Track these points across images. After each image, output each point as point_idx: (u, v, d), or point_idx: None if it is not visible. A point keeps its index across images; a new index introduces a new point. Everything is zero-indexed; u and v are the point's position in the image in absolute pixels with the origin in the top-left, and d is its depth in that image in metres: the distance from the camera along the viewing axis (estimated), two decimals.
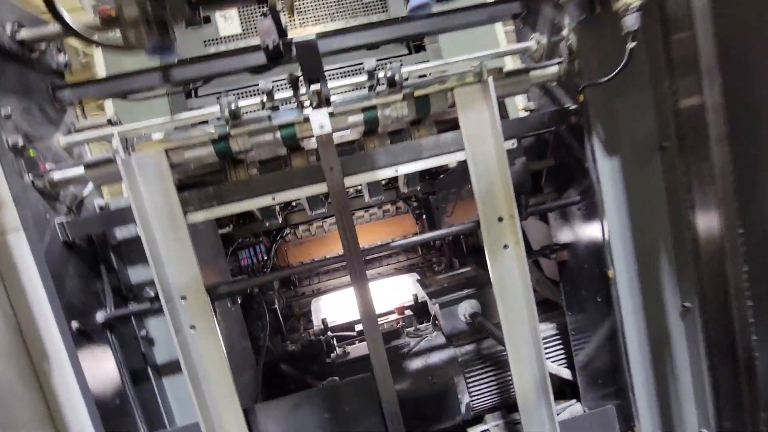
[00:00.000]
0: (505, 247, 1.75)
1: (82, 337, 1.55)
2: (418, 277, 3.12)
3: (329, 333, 3.01)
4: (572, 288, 2.13)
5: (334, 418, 1.79)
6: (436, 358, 2.44)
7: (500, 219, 1.73)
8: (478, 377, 2.39)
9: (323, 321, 3.12)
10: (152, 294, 1.60)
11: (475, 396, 2.38)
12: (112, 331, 1.69)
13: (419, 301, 3.16)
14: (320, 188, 1.68)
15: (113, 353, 1.68)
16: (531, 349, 1.79)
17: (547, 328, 2.41)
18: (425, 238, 1.98)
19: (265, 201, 1.67)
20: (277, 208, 2.25)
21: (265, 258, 3.11)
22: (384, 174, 1.71)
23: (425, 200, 3.38)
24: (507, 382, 2.37)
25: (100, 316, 1.65)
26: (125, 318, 1.79)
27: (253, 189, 1.65)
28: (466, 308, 2.40)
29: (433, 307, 2.59)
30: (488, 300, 2.43)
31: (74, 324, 1.49)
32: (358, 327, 3.14)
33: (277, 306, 3.20)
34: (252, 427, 1.73)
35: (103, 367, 1.65)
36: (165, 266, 1.55)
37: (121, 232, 1.89)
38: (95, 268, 1.72)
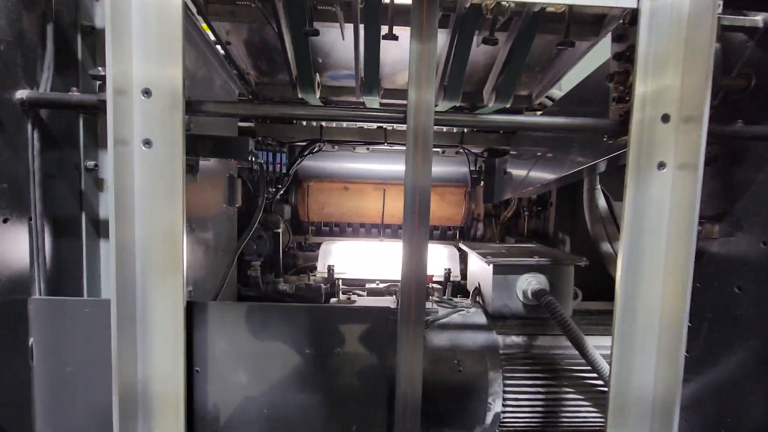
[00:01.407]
0: (660, 166, 1.07)
1: None
2: (459, 245, 2.44)
3: (335, 280, 2.38)
4: (714, 279, 1.40)
5: (316, 358, 1.15)
6: (469, 339, 1.76)
7: (666, 118, 1.06)
8: (522, 382, 1.68)
9: (329, 268, 2.49)
10: (101, 72, 1.01)
11: (510, 407, 1.68)
12: (35, 124, 1.11)
13: (450, 278, 2.48)
14: None
15: (30, 154, 1.10)
16: (667, 349, 1.08)
17: None
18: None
19: None
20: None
21: (284, 173, 2.53)
22: None
23: (489, 162, 2.72)
24: (566, 404, 1.66)
25: (21, 93, 1.07)
26: (64, 115, 1.21)
27: None
28: (530, 283, 1.71)
29: (480, 275, 1.92)
30: (561, 284, 1.74)
31: None
32: (371, 285, 2.49)
33: (281, 235, 2.60)
34: (194, 332, 1.11)
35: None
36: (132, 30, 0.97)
37: None
38: (38, 28, 1.15)
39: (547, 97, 2.42)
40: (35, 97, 1.07)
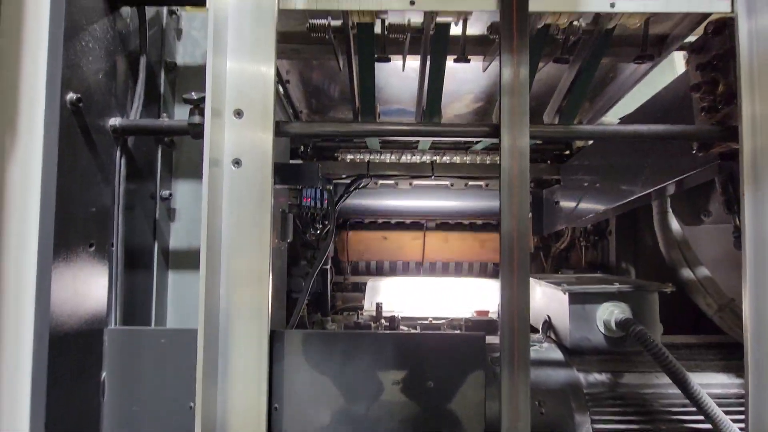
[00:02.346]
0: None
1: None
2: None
3: (383, 320, 2.28)
4: None
5: (406, 391, 1.04)
6: (547, 377, 1.61)
7: None
8: (614, 426, 1.51)
9: (378, 306, 2.40)
10: (194, 97, 1.03)
11: None
12: (123, 152, 1.13)
13: None
14: None
15: (117, 180, 1.10)
16: None
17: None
18: None
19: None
20: None
21: (327, 207, 2.52)
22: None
23: (537, 193, 2.67)
24: None
25: (114, 121, 1.09)
26: (144, 145, 1.23)
27: None
28: (612, 312, 1.58)
29: (550, 307, 1.80)
30: (646, 313, 1.61)
31: (70, 96, 0.94)
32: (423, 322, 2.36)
33: (328, 274, 2.54)
34: (274, 364, 1.03)
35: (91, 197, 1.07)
36: (227, 57, 1.00)
37: None
38: (131, 62, 1.20)
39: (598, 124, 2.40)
40: (126, 124, 1.10)
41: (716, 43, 1.22)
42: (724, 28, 1.19)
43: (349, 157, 2.57)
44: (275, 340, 1.06)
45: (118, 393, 1.05)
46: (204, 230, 0.96)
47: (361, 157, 2.55)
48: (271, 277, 1.01)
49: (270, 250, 1.01)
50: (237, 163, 1.02)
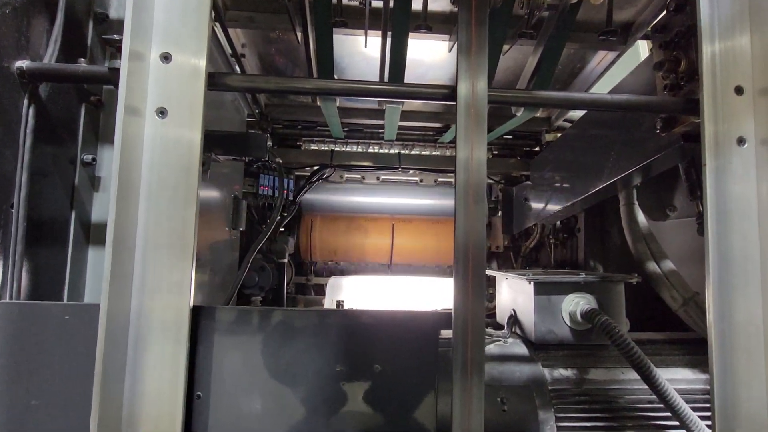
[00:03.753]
0: (740, 142, 0.98)
1: None
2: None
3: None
4: None
5: (350, 377, 0.94)
6: (511, 373, 1.53)
7: (739, 90, 0.99)
8: (579, 424, 1.44)
9: (338, 304, 2.28)
10: (116, 38, 0.92)
11: None
12: (32, 102, 0.99)
13: None
14: None
15: (22, 133, 0.97)
16: None
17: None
18: None
19: None
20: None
21: (291, 200, 2.41)
22: None
23: (507, 191, 2.64)
24: None
25: (21, 63, 0.96)
26: (64, 101, 1.10)
27: None
28: (577, 303, 1.54)
29: (517, 300, 1.74)
30: (612, 304, 1.57)
31: None
32: None
33: (285, 266, 2.41)
34: (198, 346, 0.91)
35: None
36: None
37: None
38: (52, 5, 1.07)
39: (565, 120, 2.41)
40: (36, 67, 0.97)
41: (678, 21, 1.21)
42: (685, 4, 1.19)
43: (313, 146, 2.48)
44: (200, 317, 0.94)
45: (11, 378, 0.90)
46: (114, 185, 0.84)
47: (325, 147, 2.46)
48: (195, 245, 0.89)
49: (195, 214, 0.90)
50: (162, 113, 0.91)
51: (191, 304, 0.88)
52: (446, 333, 1.19)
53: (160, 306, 0.87)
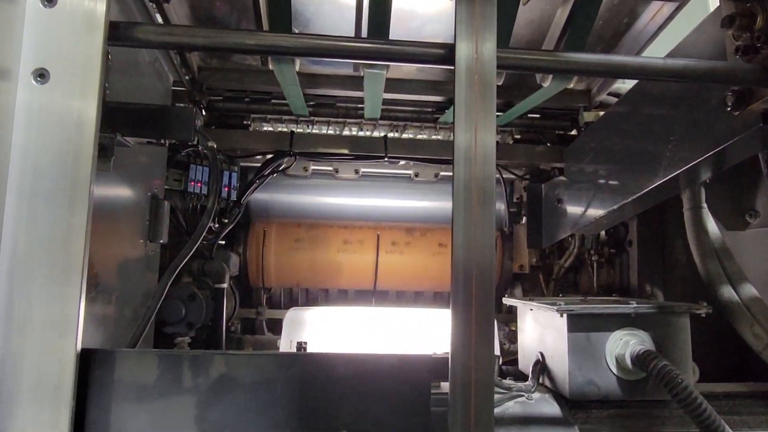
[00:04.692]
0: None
1: None
2: (503, 300, 2.27)
3: None
4: None
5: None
6: None
7: None
8: None
9: (299, 346, 2.26)
10: None
11: None
12: None
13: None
14: None
15: None
16: None
17: None
18: None
19: None
20: None
21: (234, 201, 2.40)
22: None
23: (533, 189, 2.68)
24: None
25: None
26: None
27: None
28: (627, 344, 1.56)
29: (544, 341, 1.75)
30: (673, 345, 1.60)
31: None
32: None
33: (225, 297, 2.39)
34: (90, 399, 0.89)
35: None
36: None
37: None
38: None
39: (610, 94, 2.46)
40: None
41: None
42: None
43: (265, 126, 2.47)
44: (93, 365, 0.92)
45: None
46: None
47: (283, 127, 2.46)
48: (86, 263, 0.88)
49: (88, 219, 0.89)
50: (41, 76, 0.91)
51: (79, 346, 0.87)
52: (445, 385, 1.20)
53: (34, 350, 0.86)
